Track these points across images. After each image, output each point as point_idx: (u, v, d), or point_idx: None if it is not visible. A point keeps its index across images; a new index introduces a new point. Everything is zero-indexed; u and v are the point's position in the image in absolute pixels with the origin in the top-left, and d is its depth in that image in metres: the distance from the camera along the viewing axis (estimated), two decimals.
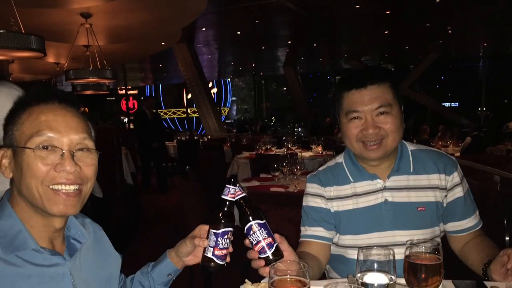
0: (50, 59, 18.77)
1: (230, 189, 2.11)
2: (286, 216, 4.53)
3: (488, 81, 41.61)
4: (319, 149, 10.62)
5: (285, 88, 57.63)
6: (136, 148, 13.96)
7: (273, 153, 10.40)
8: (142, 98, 44.88)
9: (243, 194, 2.14)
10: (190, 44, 21.90)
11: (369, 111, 2.62)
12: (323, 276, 2.98)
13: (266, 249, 2.08)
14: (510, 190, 5.33)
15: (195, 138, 19.12)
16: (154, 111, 14.54)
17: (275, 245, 2.10)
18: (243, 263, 2.20)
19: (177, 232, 2.77)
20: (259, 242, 2.08)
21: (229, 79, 49.49)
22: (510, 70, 39.12)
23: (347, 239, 2.81)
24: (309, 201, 2.94)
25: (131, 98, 45.42)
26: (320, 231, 2.84)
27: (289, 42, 25.47)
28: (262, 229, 2.09)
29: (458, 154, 13.62)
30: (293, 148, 10.52)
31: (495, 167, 6.46)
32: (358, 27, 21.25)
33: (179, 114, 47.47)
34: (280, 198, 5.06)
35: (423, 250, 2.02)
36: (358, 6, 16.43)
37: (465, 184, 2.84)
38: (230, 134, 21.51)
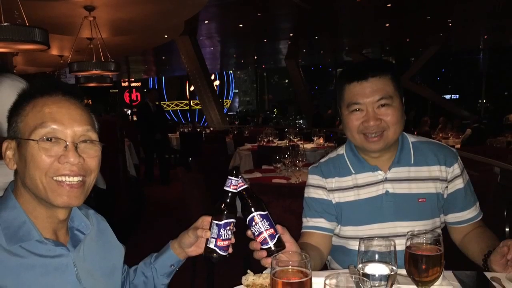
0: (54, 51, 18.81)
1: (233, 180, 2.11)
2: (288, 208, 4.54)
3: (488, 74, 41.79)
4: (321, 141, 10.65)
5: (287, 81, 57.79)
6: (139, 140, 14.02)
7: (275, 145, 10.42)
8: (145, 90, 44.88)
9: (245, 186, 2.15)
10: (192, 37, 21.94)
11: (370, 103, 2.63)
12: (324, 267, 2.99)
13: (268, 240, 2.08)
14: (510, 182, 5.34)
15: (198, 130, 19.19)
16: (157, 103, 14.52)
17: (277, 236, 2.11)
18: (246, 254, 2.21)
19: (179, 223, 2.77)
20: (261, 233, 2.08)
21: (231, 72, 49.62)
22: (510, 63, 39.17)
23: (349, 230, 2.82)
24: (311, 193, 2.95)
25: (134, 90, 45.44)
26: (321, 222, 2.85)
27: (291, 35, 25.52)
28: (264, 220, 2.09)
29: (458, 146, 13.67)
30: (295, 140, 10.59)
31: (495, 158, 6.48)
32: (359, 20, 21.32)
33: (181, 106, 47.58)
34: (282, 189, 5.05)
35: (424, 241, 2.03)
36: None
37: (465, 176, 2.85)
38: (232, 126, 21.52)
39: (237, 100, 62.49)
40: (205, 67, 23.13)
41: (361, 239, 2.01)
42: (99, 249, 2.18)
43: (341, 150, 3.00)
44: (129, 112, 42.81)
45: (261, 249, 2.11)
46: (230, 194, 2.12)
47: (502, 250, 2.31)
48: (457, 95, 47.92)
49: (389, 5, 17.52)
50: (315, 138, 10.87)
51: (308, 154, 7.75)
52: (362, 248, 1.97)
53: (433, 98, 34.84)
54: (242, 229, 2.18)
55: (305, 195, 3.00)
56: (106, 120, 10.14)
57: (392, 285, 1.89)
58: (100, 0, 11.84)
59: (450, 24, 23.01)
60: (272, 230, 2.10)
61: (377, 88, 2.62)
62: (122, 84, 45.42)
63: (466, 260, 2.75)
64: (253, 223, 2.09)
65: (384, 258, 1.93)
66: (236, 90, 58.53)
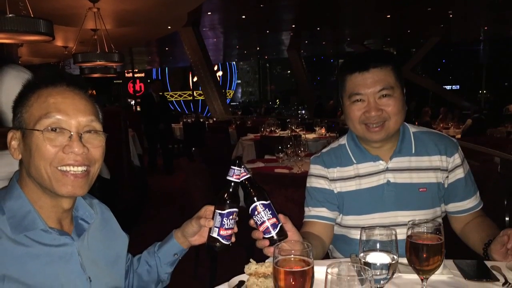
0: (59, 42, 18.82)
1: (235, 170, 2.12)
2: (290, 197, 4.55)
3: (489, 64, 41.91)
4: (323, 131, 10.69)
5: (289, 71, 57.70)
6: (143, 130, 14.02)
7: (277, 135, 10.46)
8: (149, 81, 44.86)
9: (248, 175, 2.16)
10: (195, 28, 21.88)
11: (371, 93, 2.64)
12: (326, 256, 3.01)
13: (271, 229, 2.09)
14: (510, 172, 5.35)
15: (201, 120, 19.19)
16: (161, 93, 14.57)
17: (279, 225, 2.12)
18: (248, 243, 2.21)
19: (183, 213, 2.80)
20: (263, 222, 2.09)
21: (234, 62, 49.55)
22: (510, 54, 39.19)
23: (350, 220, 2.84)
24: (312, 182, 2.97)
25: (138, 81, 45.42)
26: (323, 211, 2.87)
27: (293, 26, 25.54)
28: (267, 209, 2.10)
29: (459, 136, 13.66)
30: (297, 130, 10.58)
31: (496, 148, 6.50)
32: (361, 11, 21.32)
33: (185, 97, 47.55)
34: (284, 179, 5.08)
35: (425, 230, 2.03)
36: None
37: (466, 166, 2.86)
38: (235, 116, 21.49)
39: (239, 90, 62.47)
40: (208, 58, 23.09)
41: (363, 228, 2.02)
42: (103, 238, 2.20)
43: (343, 140, 3.02)
44: (133, 102, 42.76)
45: (264, 238, 2.12)
46: (233, 184, 2.13)
47: (502, 239, 2.34)
48: (458, 86, 47.95)
49: None
50: (317, 128, 10.90)
51: (310, 144, 7.78)
52: (364, 237, 1.98)
53: (434, 89, 34.94)
54: (244, 218, 2.20)
55: (307, 184, 3.01)
56: (110, 110, 10.12)
57: (393, 273, 1.90)
58: None
59: (451, 16, 23.05)
60: (274, 219, 2.11)
61: (378, 79, 2.63)
62: (126, 75, 45.50)
63: (467, 249, 2.77)
64: (256, 213, 2.10)
65: (386, 247, 1.94)
66: (239, 81, 58.49)
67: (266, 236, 2.11)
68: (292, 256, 1.81)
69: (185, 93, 47.65)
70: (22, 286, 1.77)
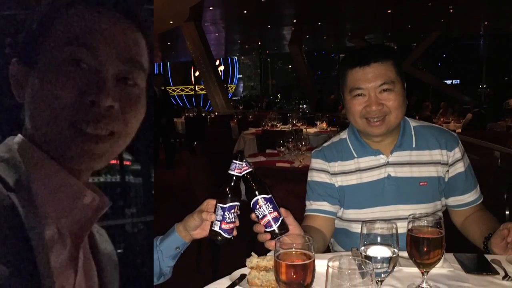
0: None
1: (237, 164, 2.12)
2: (292, 191, 4.56)
3: (489, 59, 41.90)
4: (324, 125, 10.72)
5: (290, 66, 57.75)
6: None
7: (279, 129, 10.42)
8: None
9: (250, 169, 2.16)
10: (197, 23, 21.91)
11: (372, 88, 2.64)
12: (327, 250, 3.02)
13: (272, 223, 2.10)
14: (510, 165, 5.36)
15: (203, 114, 19.19)
16: (163, 88, 14.54)
17: (280, 219, 2.12)
18: (250, 236, 2.22)
19: (185, 207, 2.78)
20: (265, 216, 2.10)
21: (235, 57, 49.51)
22: (510, 48, 39.22)
23: (351, 213, 2.85)
24: (314, 176, 2.97)
25: None
26: (324, 205, 2.88)
27: (294, 21, 25.58)
28: (268, 203, 2.11)
29: (459, 130, 13.67)
30: (298, 124, 10.59)
31: (496, 143, 6.50)
32: (362, 6, 21.30)
33: (187, 91, 47.53)
34: (285, 173, 5.08)
35: (425, 224, 2.04)
36: None
37: (466, 160, 2.87)
38: (237, 111, 21.48)
39: (241, 85, 62.46)
40: (210, 52, 23.12)
41: (364, 222, 2.02)
42: None
43: (344, 135, 3.02)
44: None
45: (265, 231, 2.13)
46: (234, 178, 2.13)
47: (502, 233, 2.35)
48: (458, 80, 48.03)
49: None
50: (318, 123, 10.94)
51: (311, 138, 7.78)
52: (365, 231, 1.98)
53: (434, 83, 34.99)
54: (246, 212, 2.21)
55: (308, 178, 3.02)
56: None
57: (394, 267, 1.91)
58: None
59: (451, 10, 23.07)
60: (275, 213, 2.11)
61: (379, 73, 2.63)
62: None
63: (467, 243, 2.78)
64: (257, 206, 2.11)
65: (386, 240, 1.94)
66: (240, 75, 58.47)
67: (268, 230, 2.12)
68: (294, 249, 1.80)
69: (187, 88, 47.66)
70: None
